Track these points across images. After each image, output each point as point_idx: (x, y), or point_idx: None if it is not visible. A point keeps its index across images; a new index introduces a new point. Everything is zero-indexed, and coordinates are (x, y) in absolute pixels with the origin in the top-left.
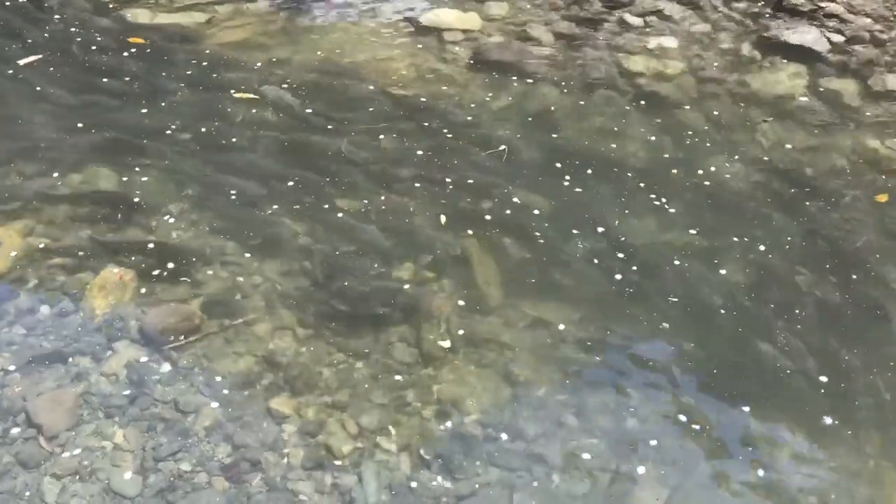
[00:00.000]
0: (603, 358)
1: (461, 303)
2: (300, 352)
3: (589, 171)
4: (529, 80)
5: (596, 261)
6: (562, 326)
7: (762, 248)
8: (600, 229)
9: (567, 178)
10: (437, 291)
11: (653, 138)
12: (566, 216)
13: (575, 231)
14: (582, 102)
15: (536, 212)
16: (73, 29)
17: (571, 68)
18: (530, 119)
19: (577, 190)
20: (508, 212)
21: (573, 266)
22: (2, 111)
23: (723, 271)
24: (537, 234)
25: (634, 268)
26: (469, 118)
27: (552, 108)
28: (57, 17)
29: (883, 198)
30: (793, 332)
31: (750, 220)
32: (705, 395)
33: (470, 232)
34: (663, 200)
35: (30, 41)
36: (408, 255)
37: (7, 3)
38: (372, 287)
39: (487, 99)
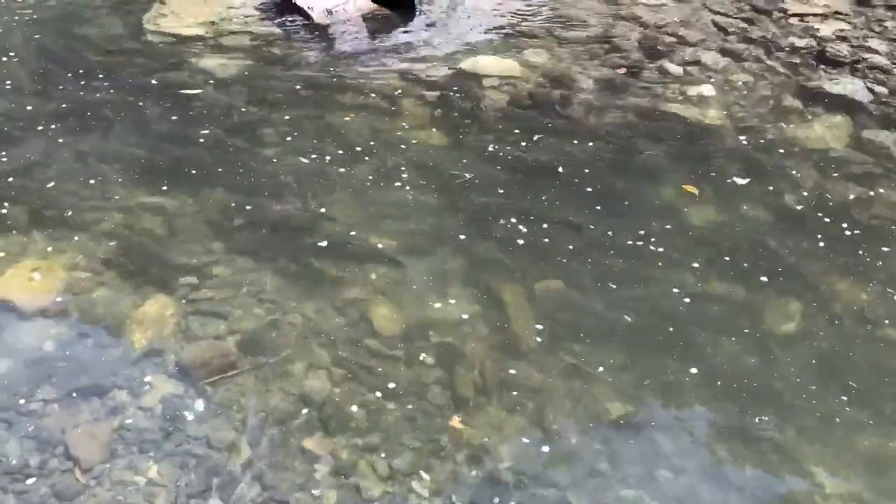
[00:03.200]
0: (639, 407)
1: (495, 346)
2: (334, 391)
3: (622, 216)
4: (565, 129)
5: (633, 308)
6: (598, 372)
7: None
8: (636, 274)
9: (603, 221)
10: (472, 333)
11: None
12: (600, 259)
13: (609, 276)
14: (619, 148)
15: (568, 250)
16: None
17: (609, 115)
18: (564, 161)
19: (621, 233)
20: (539, 252)
21: (611, 310)
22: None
23: (767, 340)
24: (569, 275)
25: (672, 322)
26: (509, 157)
27: (588, 153)
28: None
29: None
30: None
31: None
32: (743, 450)
33: (502, 271)
34: (698, 252)
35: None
36: (439, 294)
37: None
38: (406, 327)
39: (520, 144)
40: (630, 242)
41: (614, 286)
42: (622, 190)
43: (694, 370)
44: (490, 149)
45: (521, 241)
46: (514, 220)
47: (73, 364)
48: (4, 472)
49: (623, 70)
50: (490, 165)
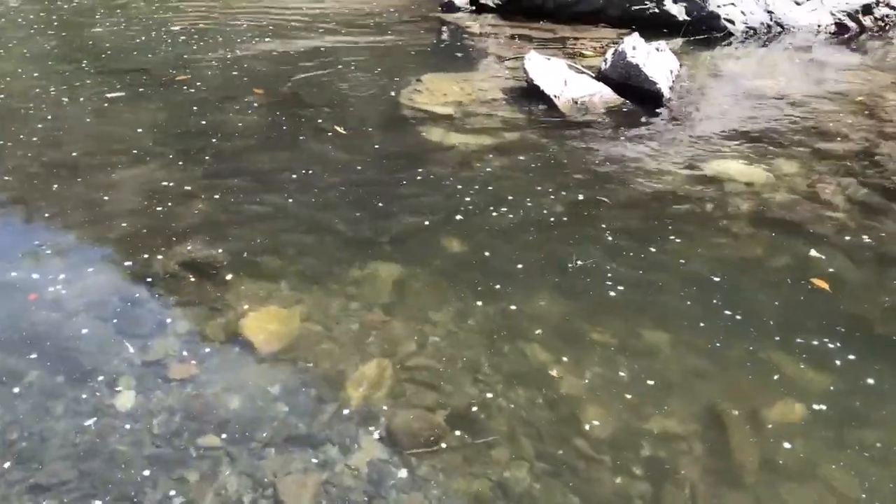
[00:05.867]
0: None
1: (711, 470)
2: (534, 486)
3: (874, 354)
4: (813, 244)
5: (874, 460)
6: None
7: None
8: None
9: (845, 358)
10: (687, 452)
11: None
12: (846, 399)
13: (856, 419)
14: (871, 277)
15: (812, 380)
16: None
17: (864, 238)
18: (804, 283)
19: (861, 375)
20: (775, 376)
21: (852, 456)
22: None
23: None
24: (811, 407)
25: None
26: (747, 272)
27: (831, 277)
28: None
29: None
30: None
31: None
32: None
33: (729, 390)
34: None
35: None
36: (656, 403)
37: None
38: (617, 432)
39: (761, 255)
40: (879, 384)
41: (861, 429)
42: (873, 319)
43: None
44: (731, 261)
45: (754, 363)
46: (749, 338)
47: (293, 411)
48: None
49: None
50: (731, 277)
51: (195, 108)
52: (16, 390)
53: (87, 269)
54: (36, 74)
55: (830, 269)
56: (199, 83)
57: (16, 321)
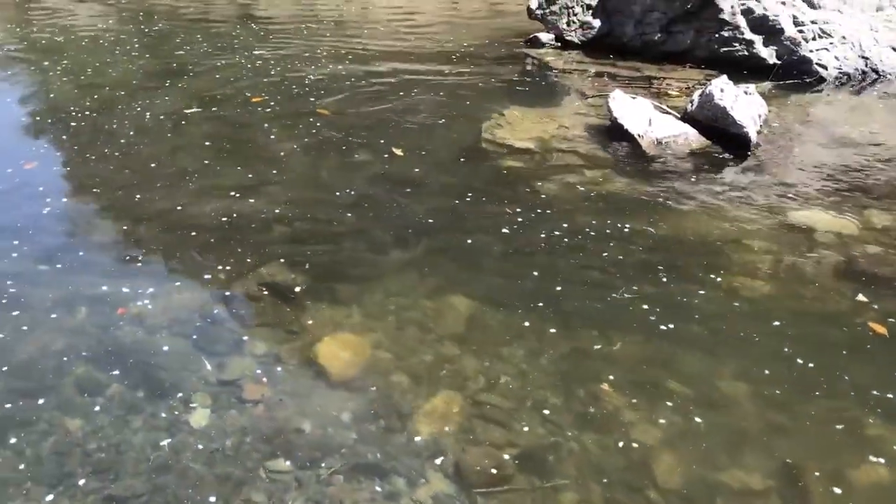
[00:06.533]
0: None
1: None
2: None
3: None
4: None
5: None
6: None
7: None
8: None
9: None
10: None
11: None
12: None
13: None
14: None
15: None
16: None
17: None
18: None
19: None
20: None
21: None
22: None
23: None
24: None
25: None
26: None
27: None
28: None
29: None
30: None
31: None
32: None
33: (810, 447)
34: None
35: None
36: (731, 456)
37: None
38: (690, 484)
39: (848, 310)
40: None
41: None
42: None
43: None
44: (808, 311)
45: (830, 417)
46: (823, 390)
47: (362, 439)
48: None
49: None
50: (805, 328)
51: (265, 125)
52: (97, 405)
53: (172, 285)
54: (122, 93)
55: None
56: (272, 103)
57: (103, 335)
